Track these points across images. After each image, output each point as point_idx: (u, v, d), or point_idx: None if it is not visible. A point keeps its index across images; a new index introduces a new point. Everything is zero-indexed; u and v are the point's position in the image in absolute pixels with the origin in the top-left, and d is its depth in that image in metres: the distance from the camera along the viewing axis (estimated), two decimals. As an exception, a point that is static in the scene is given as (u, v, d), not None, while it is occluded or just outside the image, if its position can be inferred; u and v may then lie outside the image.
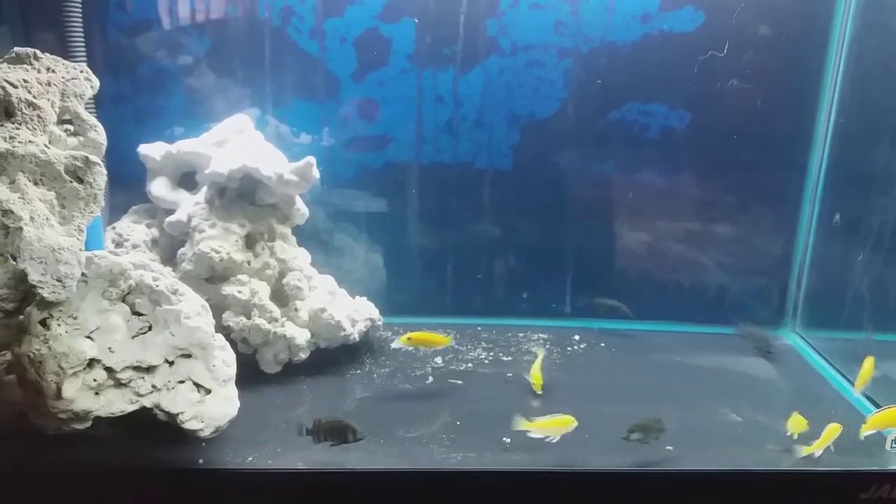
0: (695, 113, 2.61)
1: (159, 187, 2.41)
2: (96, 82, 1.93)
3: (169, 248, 2.39)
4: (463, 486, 1.85)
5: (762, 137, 2.64)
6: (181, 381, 1.83)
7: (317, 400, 2.17)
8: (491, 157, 2.64)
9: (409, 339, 2.23)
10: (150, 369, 1.82)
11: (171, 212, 2.39)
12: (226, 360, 1.87)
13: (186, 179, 2.47)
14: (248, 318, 2.22)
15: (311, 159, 2.28)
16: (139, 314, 1.85)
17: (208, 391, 1.83)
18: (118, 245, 2.35)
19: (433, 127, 2.60)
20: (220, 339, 1.89)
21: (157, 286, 1.84)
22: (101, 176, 1.80)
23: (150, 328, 1.85)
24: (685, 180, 2.71)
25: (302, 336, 2.26)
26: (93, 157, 1.79)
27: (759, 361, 2.57)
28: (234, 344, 2.20)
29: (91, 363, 1.76)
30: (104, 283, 1.80)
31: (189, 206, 2.34)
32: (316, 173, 2.31)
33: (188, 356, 1.84)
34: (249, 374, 2.18)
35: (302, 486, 1.84)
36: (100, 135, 1.90)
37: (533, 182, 2.67)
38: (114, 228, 2.40)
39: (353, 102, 2.56)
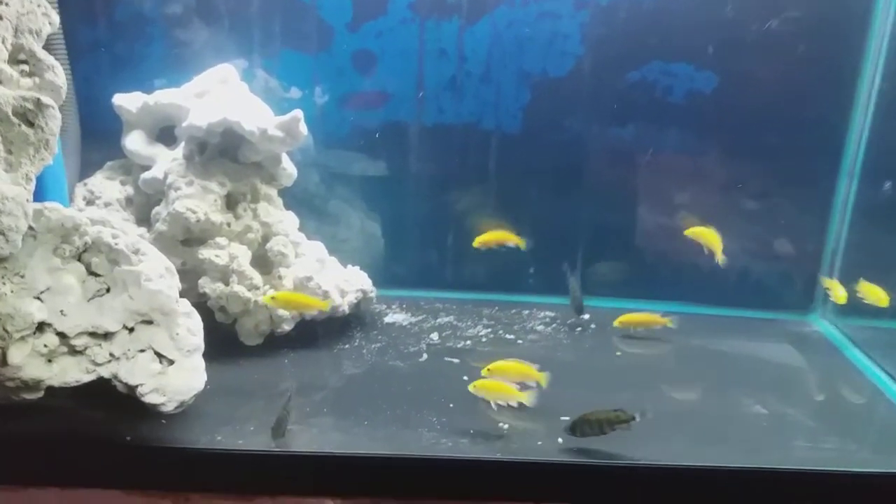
0: (723, 75, 2.40)
1: (135, 141, 2.25)
2: (55, 18, 1.74)
3: (145, 207, 2.23)
4: (453, 475, 1.68)
5: (796, 104, 2.43)
6: (141, 350, 1.68)
7: (300, 375, 2.02)
8: (498, 119, 2.46)
9: (273, 298, 2.02)
10: (107, 336, 1.67)
11: (147, 168, 2.22)
12: (191, 329, 1.70)
13: (166, 134, 2.31)
14: (227, 284, 2.07)
15: (298, 113, 2.11)
16: (96, 275, 1.69)
17: (171, 362, 1.68)
18: (89, 203, 2.19)
19: (435, 84, 2.42)
20: (184, 304, 1.72)
21: (115, 244, 1.67)
22: (54, 120, 1.62)
23: (107, 290, 1.69)
24: (710, 150, 2.51)
25: (285, 306, 2.09)
26: (45, 99, 1.61)
27: (786, 348, 2.39)
28: (210, 312, 2.07)
29: (41, 327, 1.62)
30: (55, 238, 1.63)
31: (166, 162, 2.18)
32: (303, 129, 2.13)
33: (149, 322, 1.68)
34: (228, 346, 2.06)
35: (273, 469, 1.68)
36: (58, 76, 1.70)
37: (544, 147, 2.48)
38: (85, 185, 2.24)
39: (347, 54, 2.38)
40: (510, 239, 2.28)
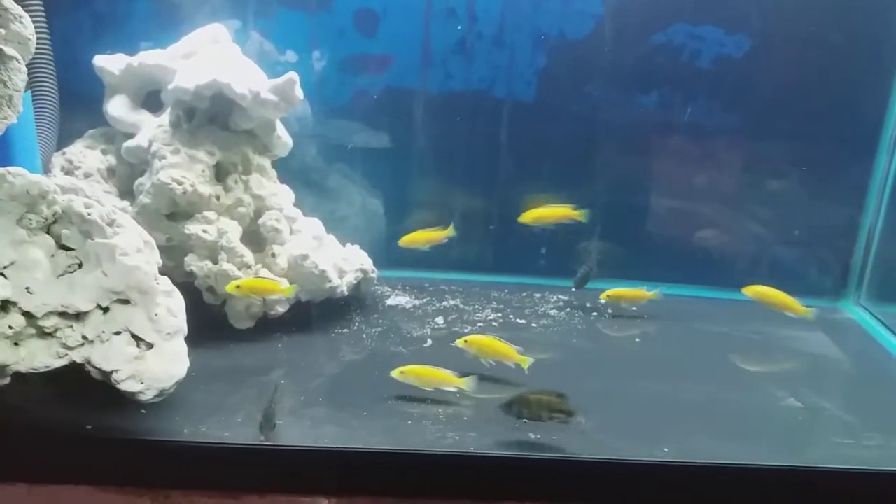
0: (755, 40, 2.25)
1: (117, 107, 2.10)
2: (22, -37, 1.57)
3: (129, 178, 2.09)
4: (459, 472, 1.54)
5: (833, 73, 2.29)
6: (117, 333, 1.52)
7: (293, 362, 1.89)
8: (511, 85, 2.31)
9: (238, 287, 1.86)
10: (79, 316, 1.52)
11: (130, 136, 2.08)
12: (171, 309, 1.54)
13: (152, 99, 2.16)
14: (215, 262, 1.93)
15: (293, 75, 1.97)
16: (66, 248, 1.54)
17: (150, 345, 1.53)
18: (68, 173, 2.05)
19: (443, 46, 2.27)
20: (165, 282, 1.56)
21: (88, 215, 1.50)
22: (18, 74, 1.47)
23: (79, 266, 1.53)
24: (738, 121, 2.36)
25: (279, 286, 1.96)
26: (9, 50, 1.46)
27: (818, 336, 2.25)
28: (198, 293, 1.94)
29: (5, 306, 1.47)
30: (20, 207, 1.48)
31: (151, 129, 2.02)
32: (299, 93, 1.99)
33: (125, 302, 1.53)
34: (216, 330, 1.94)
35: (262, 465, 1.53)
36: (26, 27, 1.54)
37: (560, 116, 2.34)
38: (63, 154, 2.08)
39: (349, 14, 2.23)
40: (438, 236, 2.20)
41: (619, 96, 2.32)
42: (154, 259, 1.56)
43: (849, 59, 2.27)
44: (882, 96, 2.28)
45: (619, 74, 2.30)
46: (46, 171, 2.00)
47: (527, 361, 1.74)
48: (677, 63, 2.26)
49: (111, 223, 1.53)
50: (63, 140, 2.14)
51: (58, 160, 2.06)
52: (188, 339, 1.61)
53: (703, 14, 2.21)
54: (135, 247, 1.51)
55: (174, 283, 1.83)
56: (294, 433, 1.56)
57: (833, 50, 2.26)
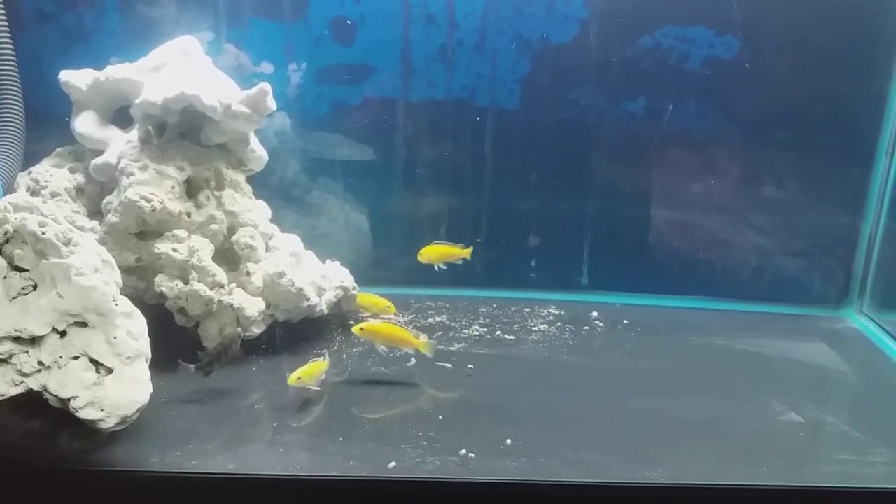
0: (746, 41, 2.19)
1: (85, 123, 2.02)
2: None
3: (98, 197, 2.01)
4: (442, 501, 1.47)
5: (828, 74, 2.22)
6: (74, 357, 1.45)
7: (269, 385, 1.80)
8: (494, 93, 2.24)
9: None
10: (34, 341, 1.44)
11: (99, 153, 2.00)
12: (132, 332, 1.47)
13: (122, 115, 2.08)
14: (186, 282, 1.84)
15: (265, 86, 1.91)
16: (20, 269, 1.46)
17: (109, 370, 1.46)
18: (34, 193, 1.96)
19: (423, 54, 2.20)
20: (124, 303, 1.48)
21: (42, 233, 1.43)
22: None
23: (34, 288, 1.46)
24: (731, 125, 2.29)
25: (254, 306, 1.89)
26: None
27: (820, 347, 2.18)
28: (170, 314, 1.86)
29: None
30: (-32, 227, 1.39)
31: (120, 145, 1.95)
32: (271, 103, 1.93)
33: (83, 325, 1.46)
34: (189, 353, 1.82)
35: (230, 495, 1.47)
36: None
37: (545, 124, 2.27)
38: (29, 174, 2.01)
39: (324, 22, 2.16)
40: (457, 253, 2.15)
41: (605, 102, 2.25)
42: (113, 279, 1.48)
43: (843, 61, 2.20)
44: (879, 101, 2.22)
45: (605, 80, 2.23)
46: (11, 191, 1.92)
47: (428, 346, 1.82)
48: (665, 66, 2.19)
49: (67, 242, 1.46)
50: (31, 159, 2.07)
51: (23, 180, 1.98)
52: (158, 363, 1.55)
53: (691, 15, 2.14)
54: (92, 266, 1.44)
55: (145, 304, 1.76)
56: (265, 461, 1.48)
57: (828, 51, 2.19)
